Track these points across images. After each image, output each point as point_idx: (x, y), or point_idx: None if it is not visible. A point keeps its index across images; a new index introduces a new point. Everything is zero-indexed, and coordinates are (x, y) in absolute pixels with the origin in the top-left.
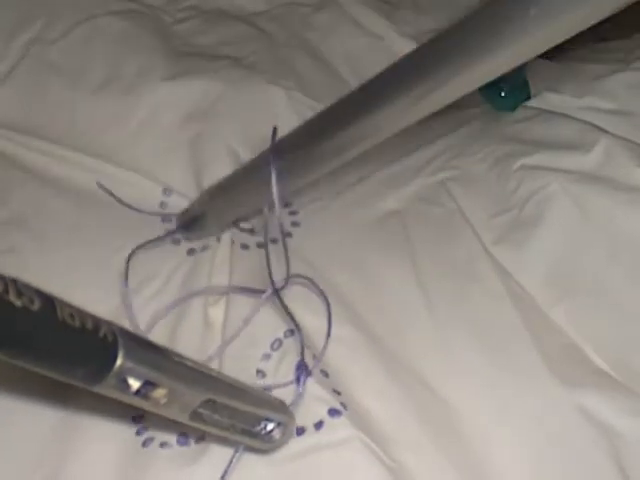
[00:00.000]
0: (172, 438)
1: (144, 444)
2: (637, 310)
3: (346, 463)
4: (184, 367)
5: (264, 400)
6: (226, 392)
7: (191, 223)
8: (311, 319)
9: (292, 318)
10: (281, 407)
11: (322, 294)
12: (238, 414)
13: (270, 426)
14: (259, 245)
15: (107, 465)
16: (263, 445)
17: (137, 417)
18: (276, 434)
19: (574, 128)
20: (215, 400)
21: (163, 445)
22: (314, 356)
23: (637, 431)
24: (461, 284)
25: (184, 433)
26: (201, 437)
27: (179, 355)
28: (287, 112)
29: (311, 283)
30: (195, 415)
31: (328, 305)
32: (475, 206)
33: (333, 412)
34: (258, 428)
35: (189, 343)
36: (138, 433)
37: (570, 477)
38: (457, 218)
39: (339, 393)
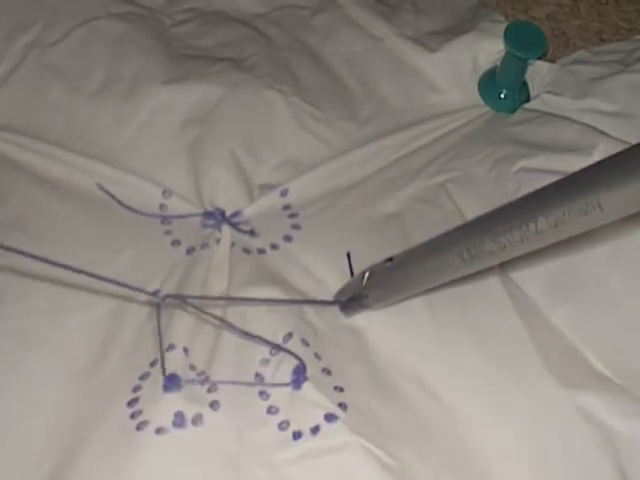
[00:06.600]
0: (168, 421)
1: (138, 427)
2: (636, 313)
3: (343, 467)
4: None
5: None
6: None
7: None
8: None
9: None
10: None
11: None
12: None
13: None
14: (260, 251)
15: (100, 448)
16: None
17: (132, 401)
18: None
19: (574, 130)
20: None
21: (159, 431)
22: (315, 354)
23: (636, 432)
24: (462, 286)
25: (180, 413)
26: (199, 417)
27: None
28: (286, 116)
29: None
30: None
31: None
32: (474, 208)
33: (330, 417)
34: None
35: (187, 343)
36: (132, 417)
37: (569, 478)
38: (456, 220)
39: (342, 389)
